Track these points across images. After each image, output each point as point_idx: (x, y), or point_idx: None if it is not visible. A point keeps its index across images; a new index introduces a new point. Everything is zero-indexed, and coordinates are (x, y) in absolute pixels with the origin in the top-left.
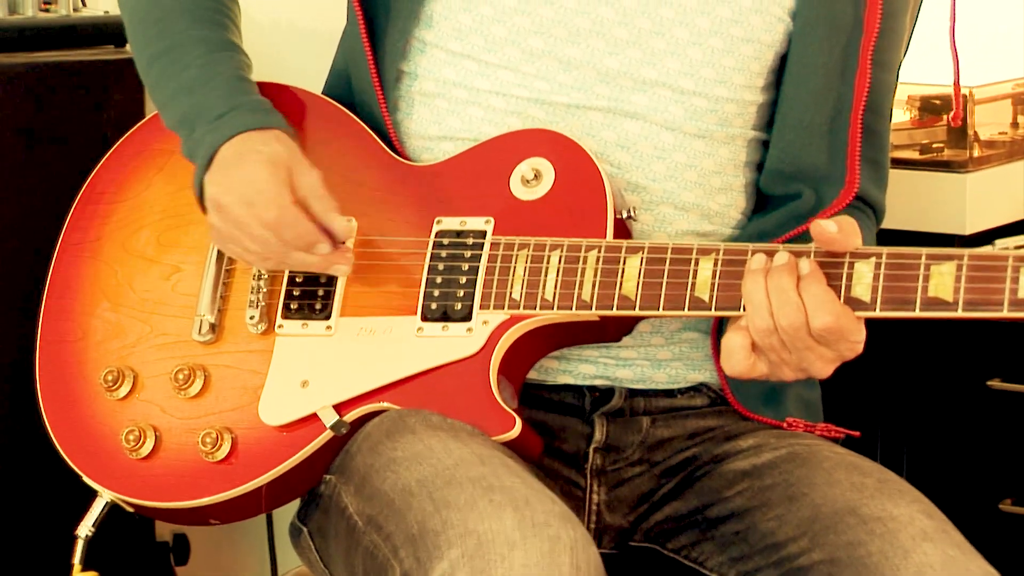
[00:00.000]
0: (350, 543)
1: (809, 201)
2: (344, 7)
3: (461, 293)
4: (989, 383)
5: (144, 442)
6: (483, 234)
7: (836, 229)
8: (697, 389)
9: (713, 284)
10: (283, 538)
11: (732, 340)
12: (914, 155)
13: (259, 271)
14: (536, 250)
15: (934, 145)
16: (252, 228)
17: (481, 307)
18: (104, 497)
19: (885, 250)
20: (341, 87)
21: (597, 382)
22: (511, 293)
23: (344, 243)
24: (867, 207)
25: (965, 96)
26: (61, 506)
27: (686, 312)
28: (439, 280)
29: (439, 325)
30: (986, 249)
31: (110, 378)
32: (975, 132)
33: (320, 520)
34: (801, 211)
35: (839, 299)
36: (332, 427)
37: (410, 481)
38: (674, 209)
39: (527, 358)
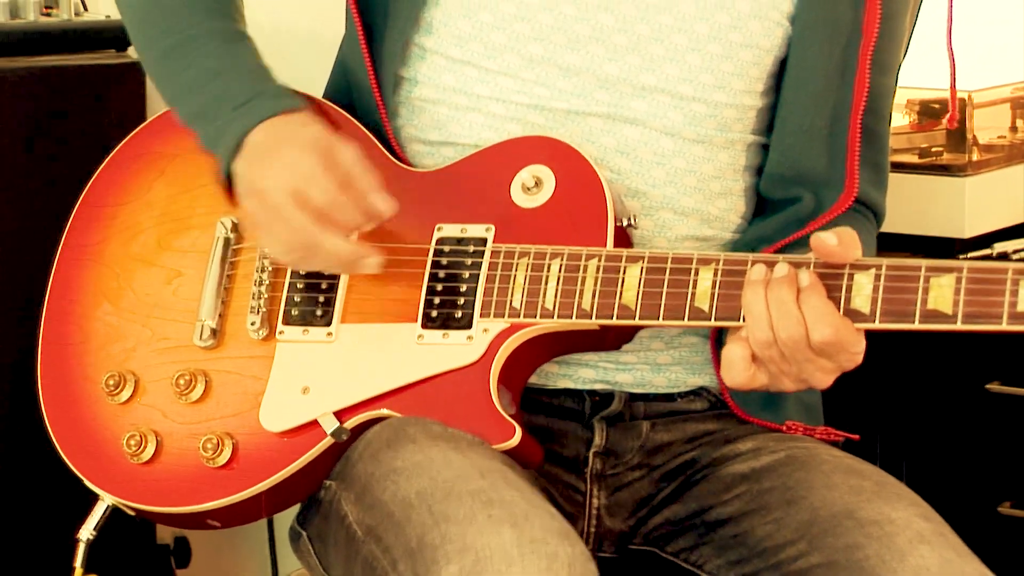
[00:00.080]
0: (349, 551)
1: (809, 205)
2: (344, 12)
3: (461, 301)
4: (988, 386)
5: (145, 447)
6: (484, 242)
7: (836, 242)
8: (697, 393)
9: (713, 294)
10: (284, 541)
11: (732, 352)
12: (913, 159)
13: (260, 277)
14: (536, 258)
15: (933, 149)
16: (292, 214)
17: (481, 315)
18: (105, 501)
19: (885, 262)
20: (341, 92)
21: (597, 386)
22: (511, 301)
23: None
24: (867, 210)
25: (963, 100)
26: (62, 509)
27: (686, 322)
28: (439, 288)
29: (439, 333)
30: (985, 261)
31: (111, 382)
32: (974, 136)
33: (320, 525)
34: (801, 215)
35: (839, 311)
36: (333, 434)
37: (410, 493)
38: (674, 214)
39: (527, 366)
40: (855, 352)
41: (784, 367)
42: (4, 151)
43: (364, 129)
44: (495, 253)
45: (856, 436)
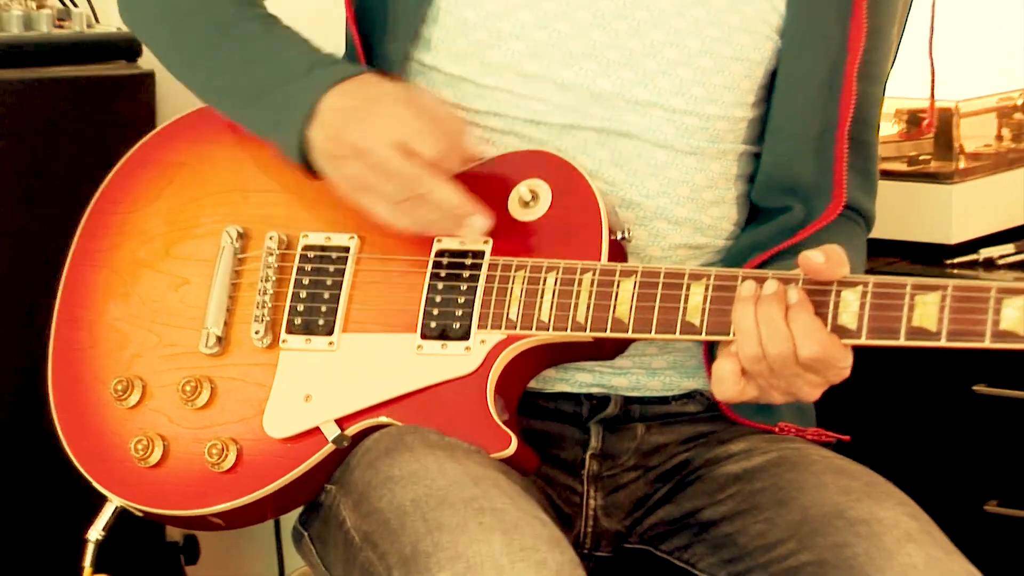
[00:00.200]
0: (347, 556)
1: (799, 214)
2: (344, 27)
3: (459, 312)
4: (975, 388)
5: (152, 451)
6: (482, 254)
7: (823, 259)
8: (690, 396)
9: (704, 309)
10: (290, 539)
11: (722, 367)
12: (902, 167)
13: (264, 286)
14: (533, 271)
15: (921, 157)
16: (402, 166)
17: (479, 326)
18: (114, 502)
19: (872, 279)
20: None
21: (593, 390)
22: (508, 314)
23: None
24: (858, 215)
25: (950, 109)
26: (70, 509)
27: (677, 336)
28: (438, 299)
29: (438, 343)
30: (970, 280)
31: (120, 387)
32: (960, 144)
33: (320, 528)
34: (792, 223)
35: (826, 328)
36: (334, 441)
37: (405, 500)
38: (667, 224)
39: (524, 376)
40: (842, 367)
41: (773, 381)
42: (19, 159)
43: None
44: (492, 266)
45: (847, 437)
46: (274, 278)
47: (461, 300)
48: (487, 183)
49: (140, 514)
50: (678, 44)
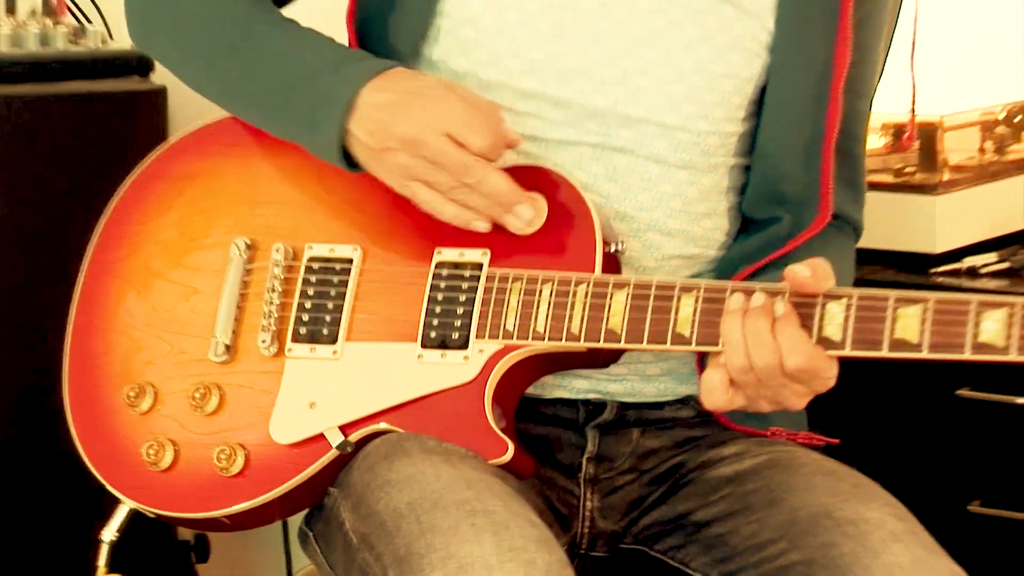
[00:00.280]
0: (347, 557)
1: (788, 225)
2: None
3: (458, 323)
4: (958, 392)
5: (163, 455)
6: (480, 266)
7: (809, 273)
8: (684, 401)
9: (694, 320)
10: (297, 539)
11: (711, 377)
12: (888, 178)
13: (271, 296)
14: (529, 283)
15: (907, 169)
16: (455, 155)
17: (477, 336)
18: (126, 505)
19: (856, 292)
20: None
21: (590, 396)
22: (505, 324)
23: None
24: (847, 225)
25: (935, 123)
26: (84, 510)
27: (668, 346)
28: (438, 309)
29: (438, 352)
30: (952, 293)
31: (132, 393)
32: (945, 157)
33: (323, 529)
34: (781, 234)
35: (811, 339)
36: (338, 447)
37: (401, 503)
38: (661, 235)
39: (521, 384)
40: (827, 378)
41: (760, 391)
42: (36, 170)
43: None
44: (490, 277)
45: (836, 440)
46: (280, 288)
47: (460, 311)
48: None
49: (152, 516)
50: (670, 62)
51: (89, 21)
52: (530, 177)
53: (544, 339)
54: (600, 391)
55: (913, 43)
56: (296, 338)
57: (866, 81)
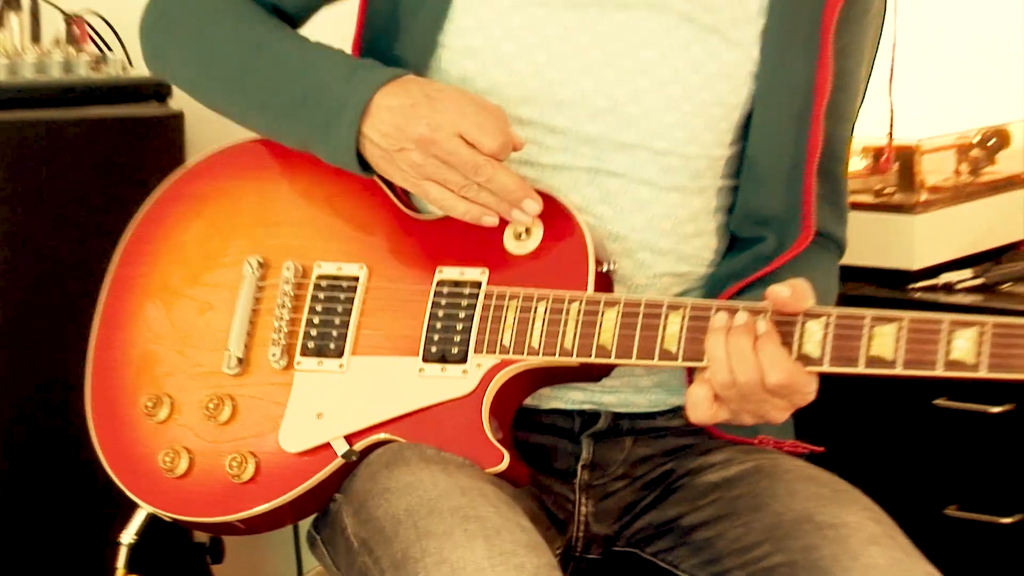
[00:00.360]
0: (349, 560)
1: (772, 244)
2: None
3: (458, 338)
4: (935, 402)
5: (179, 463)
6: (479, 284)
7: (789, 293)
8: (675, 411)
9: (680, 337)
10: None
11: (696, 392)
12: (869, 199)
13: (281, 312)
14: (525, 301)
15: (886, 190)
16: (467, 153)
17: (475, 351)
18: (145, 509)
19: (835, 311)
20: None
21: (585, 407)
22: (502, 340)
23: None
24: (831, 242)
25: (913, 147)
26: (104, 513)
27: (656, 362)
28: (439, 325)
29: (438, 366)
30: (925, 312)
31: (150, 403)
32: (922, 179)
33: (329, 533)
34: (766, 253)
35: (792, 356)
36: (343, 455)
37: (399, 510)
38: (652, 254)
39: (517, 397)
40: (807, 392)
41: (743, 405)
42: (59, 191)
43: (376, 178)
44: (488, 295)
45: (821, 448)
46: (290, 304)
47: (459, 327)
48: None
49: (168, 520)
50: (661, 91)
51: (110, 49)
52: None
53: (539, 354)
54: (595, 402)
55: (892, 70)
56: (305, 352)
57: (848, 106)
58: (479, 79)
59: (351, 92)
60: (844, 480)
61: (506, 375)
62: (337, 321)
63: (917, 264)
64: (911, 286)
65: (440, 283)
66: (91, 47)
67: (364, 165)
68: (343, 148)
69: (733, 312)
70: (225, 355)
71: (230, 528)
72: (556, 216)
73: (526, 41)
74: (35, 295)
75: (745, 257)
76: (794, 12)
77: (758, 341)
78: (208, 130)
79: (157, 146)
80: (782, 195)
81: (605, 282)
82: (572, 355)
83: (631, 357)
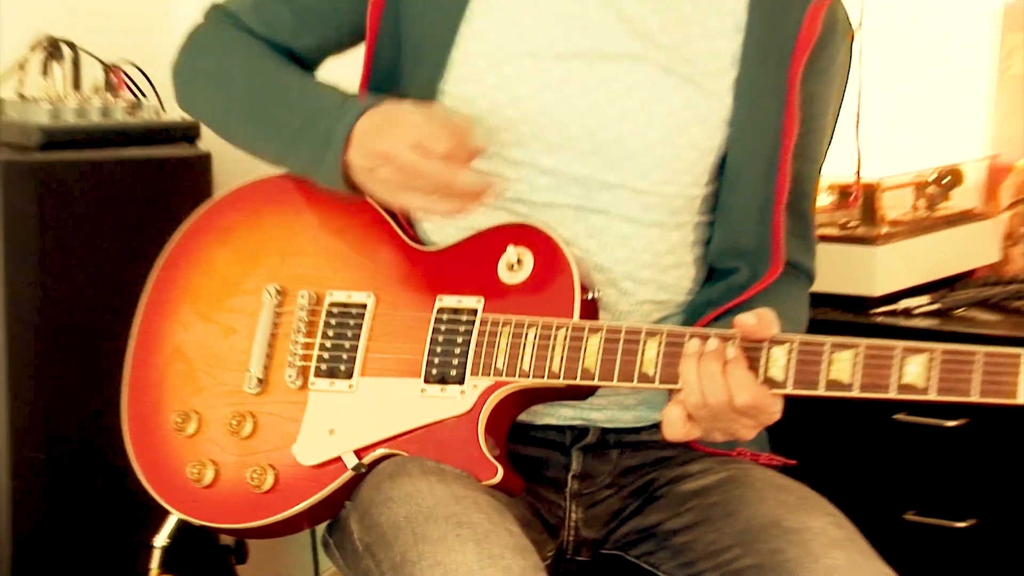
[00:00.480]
0: (355, 562)
1: (745, 275)
2: None
3: (456, 361)
4: (895, 416)
5: (205, 474)
6: (475, 312)
7: (755, 321)
8: (657, 426)
9: (657, 362)
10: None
11: (671, 412)
12: (835, 232)
13: (296, 337)
14: (516, 327)
15: (850, 224)
16: (422, 163)
17: (472, 373)
18: (175, 515)
19: (798, 338)
20: None
21: (575, 422)
22: (496, 363)
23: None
24: (800, 272)
25: (874, 184)
26: (140, 519)
27: (635, 384)
28: (439, 349)
29: (438, 387)
30: (880, 340)
31: (179, 419)
32: (883, 213)
33: (339, 538)
34: (739, 283)
35: (758, 380)
36: (353, 468)
37: (399, 517)
38: (634, 284)
39: (511, 414)
40: (772, 412)
41: (714, 424)
42: (98, 225)
43: (381, 210)
44: (483, 322)
45: (794, 462)
46: (305, 329)
47: (457, 351)
48: (480, 249)
49: (197, 525)
50: (641, 136)
51: (144, 96)
52: (519, 233)
53: (529, 376)
54: (584, 418)
55: (858, 116)
56: (318, 373)
57: (815, 148)
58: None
59: (337, 122)
60: (811, 488)
61: (500, 395)
62: (347, 345)
63: (879, 291)
64: (873, 311)
65: (440, 310)
66: (127, 94)
67: (357, 188)
68: (333, 174)
69: (705, 339)
70: (246, 376)
71: (252, 532)
72: (546, 249)
73: (518, 90)
74: (76, 319)
75: (721, 287)
76: (763, 63)
77: (727, 365)
78: (233, 169)
79: (187, 184)
80: (753, 231)
81: (591, 309)
82: (559, 377)
83: (613, 379)
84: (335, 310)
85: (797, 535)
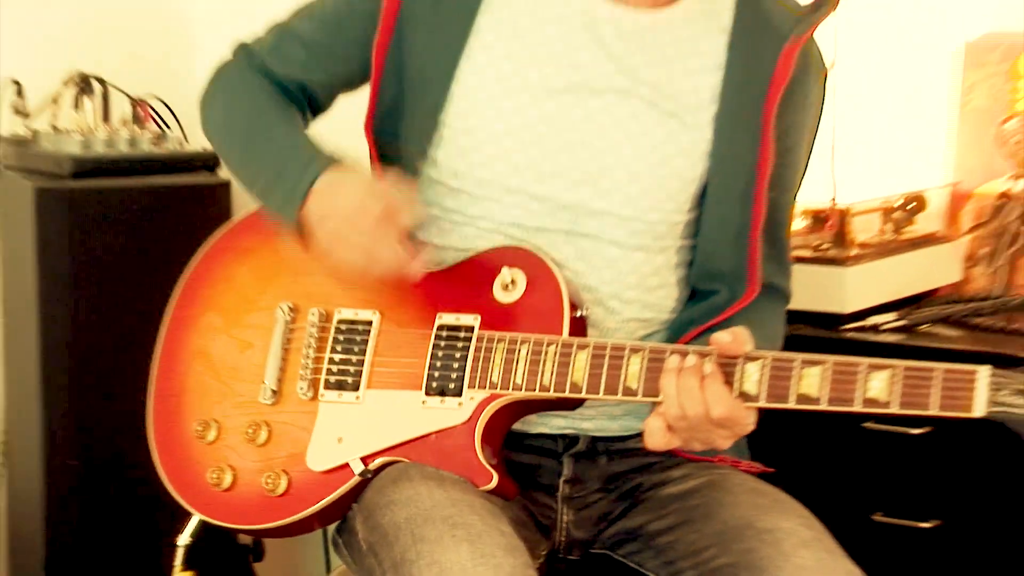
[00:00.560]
0: (359, 561)
1: (724, 296)
2: None
3: (454, 375)
4: (864, 424)
5: (224, 478)
6: (472, 329)
7: (731, 339)
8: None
9: (640, 376)
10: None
11: (652, 423)
12: (808, 253)
13: (307, 352)
14: (510, 343)
15: (822, 246)
16: (358, 225)
17: (469, 386)
18: (196, 517)
19: (771, 355)
20: None
21: (566, 431)
22: (491, 376)
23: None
24: (777, 292)
25: (845, 210)
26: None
27: (620, 397)
28: (438, 364)
29: (438, 399)
30: (847, 356)
31: (200, 428)
32: (853, 237)
33: (347, 537)
34: (719, 303)
35: (733, 394)
36: (360, 474)
37: (400, 518)
38: (620, 303)
39: (505, 425)
40: (746, 424)
41: (693, 434)
42: (125, 247)
43: None
44: (480, 338)
45: (772, 469)
46: (315, 345)
47: (455, 365)
48: (477, 270)
49: (216, 525)
50: (627, 167)
51: (168, 128)
52: (513, 255)
53: (522, 389)
54: (575, 427)
55: (833, 148)
56: (327, 385)
57: (790, 179)
58: (474, 153)
59: (298, 182)
60: (786, 492)
61: (495, 407)
62: (354, 359)
63: (849, 308)
64: (844, 327)
65: (440, 327)
66: (153, 126)
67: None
68: (292, 223)
69: (684, 355)
70: (262, 387)
71: (268, 532)
72: (538, 271)
73: (513, 122)
74: (105, 333)
75: (702, 307)
76: (741, 100)
77: (704, 380)
78: (250, 196)
79: (207, 209)
80: (731, 255)
81: (579, 326)
82: (550, 390)
83: (599, 392)
84: (343, 326)
85: (770, 535)
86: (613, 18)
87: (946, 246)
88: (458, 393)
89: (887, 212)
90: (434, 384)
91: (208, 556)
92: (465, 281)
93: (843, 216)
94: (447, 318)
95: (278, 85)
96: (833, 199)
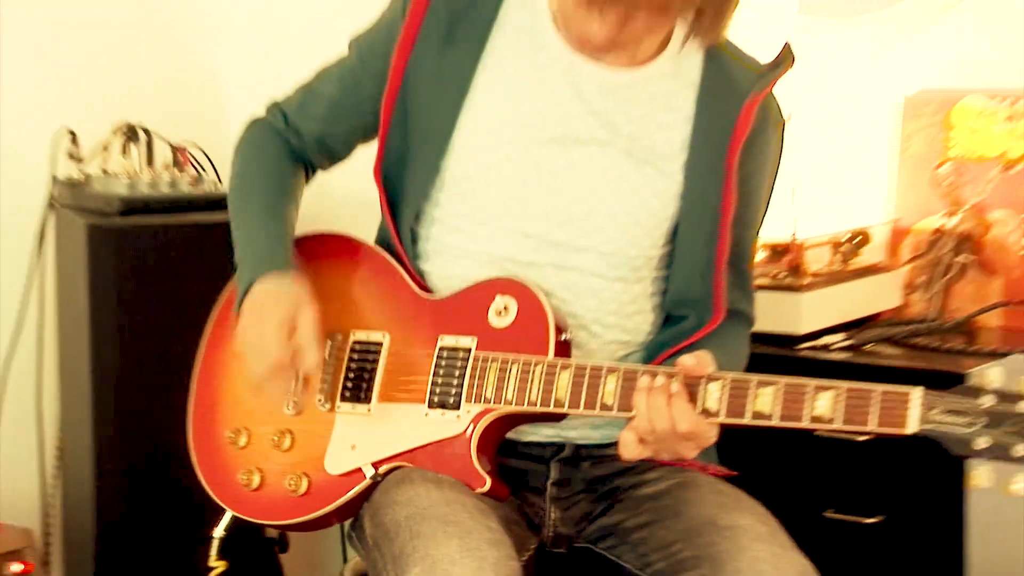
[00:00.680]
0: (367, 554)
1: (693, 322)
2: None
3: (453, 391)
4: (816, 433)
5: (253, 479)
6: (469, 350)
7: (695, 362)
8: None
9: (616, 394)
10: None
11: (625, 436)
12: (768, 282)
13: (326, 368)
14: (503, 363)
15: (780, 275)
16: (257, 350)
17: (466, 400)
18: (229, 513)
19: (731, 375)
20: (383, 241)
21: (554, 439)
22: (485, 392)
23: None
24: (742, 316)
25: (800, 244)
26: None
27: (597, 412)
28: (439, 380)
29: (439, 411)
30: (797, 377)
31: (232, 434)
32: (806, 267)
33: (359, 532)
34: (688, 328)
35: (697, 410)
36: (371, 477)
37: (400, 517)
38: (602, 327)
39: (498, 435)
40: (709, 437)
41: (661, 446)
42: (164, 281)
43: (395, 264)
44: (476, 359)
45: (735, 472)
46: (332, 363)
47: (454, 382)
48: (474, 298)
49: (247, 521)
50: (608, 209)
51: (204, 171)
52: (506, 285)
53: (512, 404)
54: (562, 436)
55: (793, 190)
56: (343, 398)
57: (752, 217)
58: (473, 197)
59: (250, 274)
60: (745, 492)
61: (489, 419)
62: (366, 376)
63: (803, 330)
64: (798, 347)
65: (441, 348)
66: (191, 170)
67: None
68: (237, 304)
69: (654, 376)
70: (285, 400)
71: (291, 527)
72: (528, 299)
73: (506, 169)
74: (150, 353)
75: (673, 331)
76: (707, 149)
77: (671, 398)
78: None
79: None
80: (699, 285)
81: (564, 348)
82: (536, 405)
83: (579, 408)
84: (357, 346)
85: (729, 531)
86: (595, 77)
87: (888, 275)
88: (456, 407)
89: (836, 245)
90: (436, 398)
91: (239, 547)
92: (464, 307)
93: (798, 249)
94: (447, 340)
95: (294, 147)
96: (794, 235)
